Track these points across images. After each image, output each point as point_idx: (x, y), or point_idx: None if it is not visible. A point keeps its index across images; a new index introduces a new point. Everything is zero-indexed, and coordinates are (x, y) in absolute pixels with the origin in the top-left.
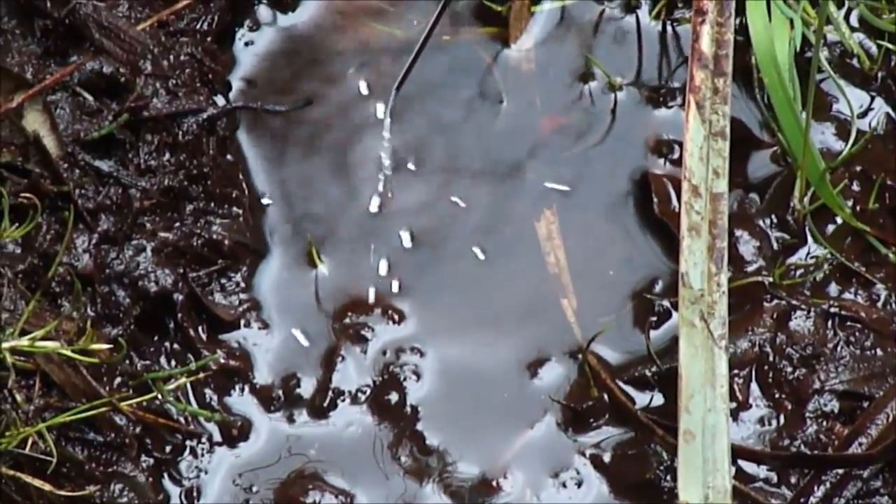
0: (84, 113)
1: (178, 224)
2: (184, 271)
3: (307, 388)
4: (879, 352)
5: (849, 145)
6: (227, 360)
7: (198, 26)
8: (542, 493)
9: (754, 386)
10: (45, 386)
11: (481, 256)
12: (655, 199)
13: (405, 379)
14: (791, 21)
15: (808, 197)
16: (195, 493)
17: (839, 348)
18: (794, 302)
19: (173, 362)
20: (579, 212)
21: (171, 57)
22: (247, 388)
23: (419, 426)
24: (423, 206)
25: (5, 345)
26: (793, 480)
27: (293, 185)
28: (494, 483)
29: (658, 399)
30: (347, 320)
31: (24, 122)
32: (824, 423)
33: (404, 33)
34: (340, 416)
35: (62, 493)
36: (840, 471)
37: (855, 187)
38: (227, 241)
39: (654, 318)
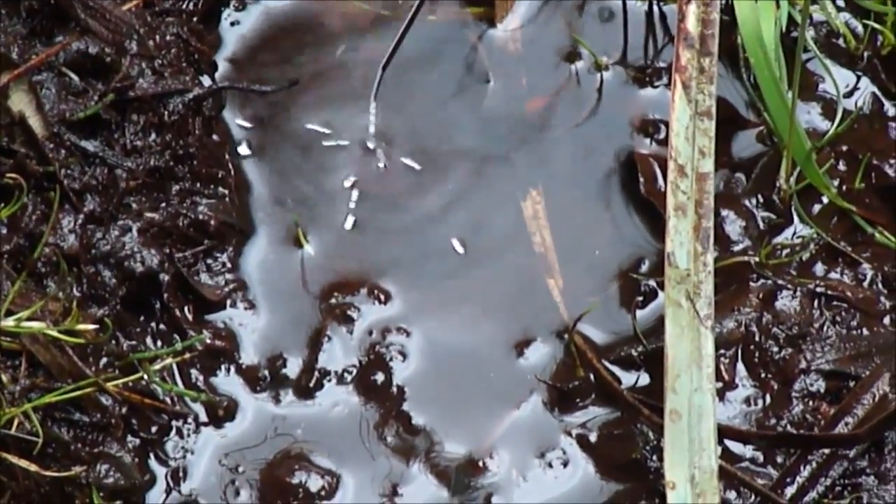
0: (70, 93)
1: (164, 204)
2: (170, 251)
3: (293, 368)
4: (865, 331)
5: (835, 125)
6: (213, 340)
7: (183, 6)
8: (528, 472)
9: (740, 366)
10: (31, 366)
11: (467, 236)
12: (641, 179)
13: (391, 359)
14: (777, 1)
15: (795, 177)
16: (181, 474)
17: (825, 328)
18: (780, 282)
19: (159, 342)
20: (565, 192)
21: (157, 37)
22: (233, 369)
23: (405, 406)
24: (410, 186)
25: None
26: (779, 460)
27: (279, 166)
28: (480, 463)
29: (644, 379)
30: (333, 300)
31: (10, 102)
32: (810, 403)
33: (391, 13)
34: (326, 397)
35: (48, 473)
36: (826, 450)
37: (841, 167)
38: (213, 222)
39: (641, 298)
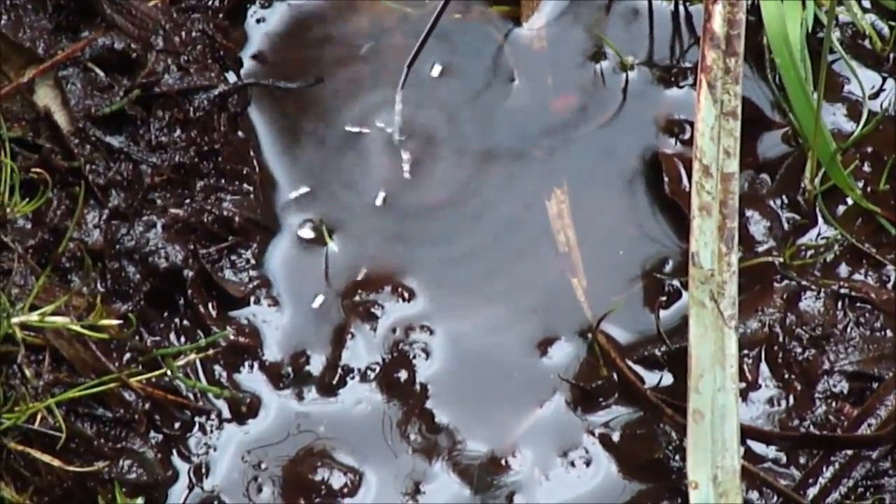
0: (95, 88)
1: (188, 200)
2: (194, 248)
3: (316, 365)
4: (889, 333)
5: (860, 126)
6: (236, 336)
7: (209, 3)
8: (550, 471)
9: (764, 366)
10: (55, 361)
11: (492, 234)
12: (666, 179)
13: (414, 357)
14: (803, 1)
15: (819, 178)
16: (204, 470)
17: (849, 329)
18: (804, 283)
19: (183, 339)
20: (590, 191)
21: (183, 33)
22: (256, 365)
23: (428, 404)
24: (434, 184)
25: (15, 320)
26: (802, 461)
27: (304, 162)
28: (503, 461)
29: (667, 379)
30: (357, 298)
31: (36, 97)
32: (833, 404)
33: (416, 11)
34: (349, 394)
35: (71, 468)
36: (849, 451)
37: (866, 168)
38: (237, 218)
39: (664, 298)
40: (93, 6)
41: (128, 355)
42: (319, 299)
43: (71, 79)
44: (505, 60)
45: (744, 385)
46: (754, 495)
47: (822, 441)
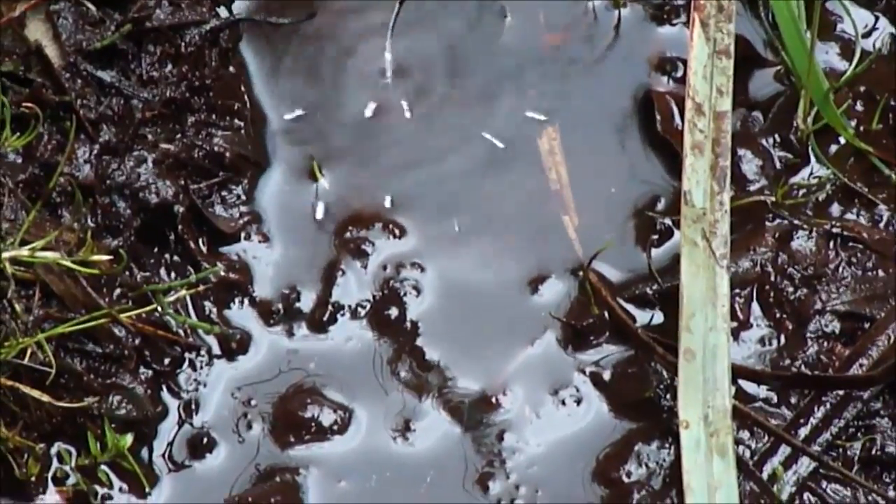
0: (87, 23)
1: (179, 136)
2: (185, 183)
3: (307, 302)
4: (881, 273)
5: (853, 65)
6: (227, 272)
7: None
8: (541, 409)
9: (755, 305)
10: (45, 296)
11: (483, 172)
12: (658, 118)
13: (405, 294)
14: None
15: (812, 116)
16: (193, 406)
17: (841, 269)
18: (796, 222)
19: (173, 274)
20: (582, 129)
21: None
22: (246, 302)
23: (419, 342)
24: (425, 120)
25: (5, 255)
26: (793, 401)
27: (295, 98)
28: (494, 399)
29: (658, 317)
30: (348, 234)
31: (27, 31)
32: (825, 344)
33: None
34: (340, 331)
35: (60, 404)
36: (840, 392)
37: (858, 107)
38: (228, 154)
39: (656, 237)
40: None
41: (118, 291)
42: (310, 235)
43: (62, 13)
44: None
45: (735, 324)
46: (745, 435)
47: (814, 381)
